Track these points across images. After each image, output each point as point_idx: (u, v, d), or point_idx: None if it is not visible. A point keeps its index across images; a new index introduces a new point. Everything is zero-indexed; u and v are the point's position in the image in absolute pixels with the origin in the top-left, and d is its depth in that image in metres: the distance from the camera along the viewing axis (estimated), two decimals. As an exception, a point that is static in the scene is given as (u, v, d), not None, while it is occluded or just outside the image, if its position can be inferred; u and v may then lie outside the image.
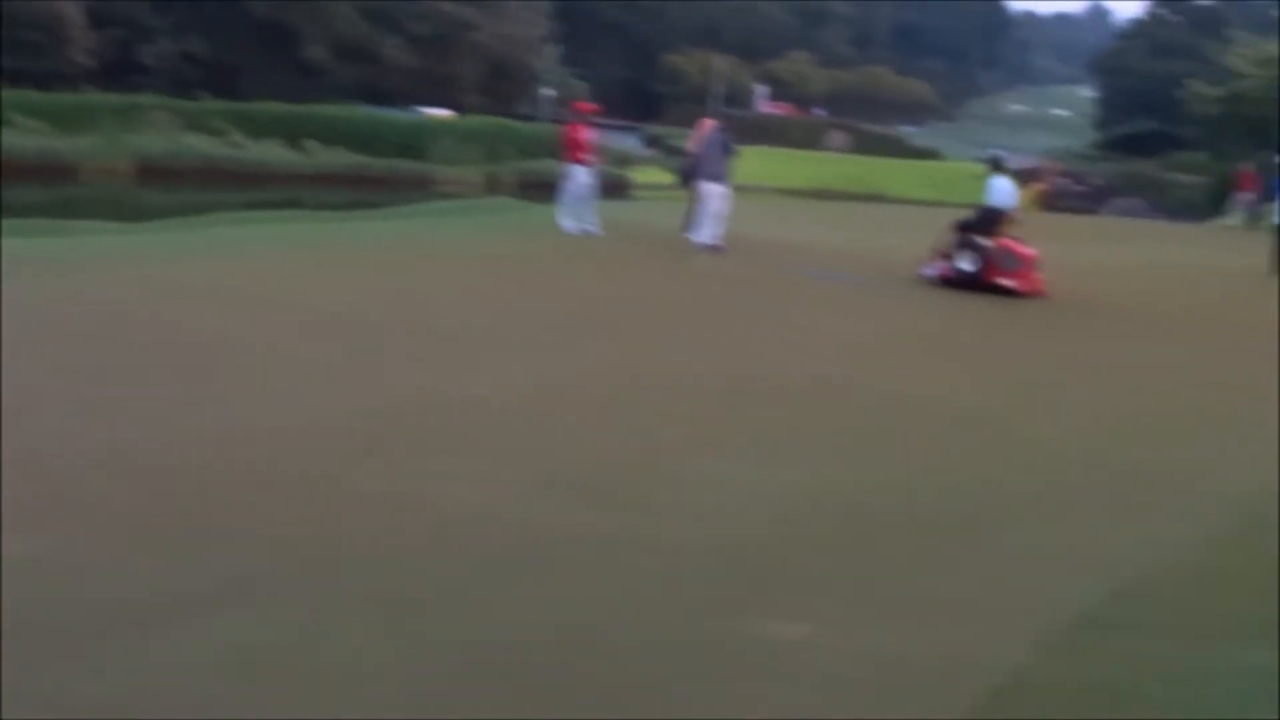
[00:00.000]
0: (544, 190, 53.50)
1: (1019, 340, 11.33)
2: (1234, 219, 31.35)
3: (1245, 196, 31.49)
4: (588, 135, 17.14)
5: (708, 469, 5.95)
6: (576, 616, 4.10)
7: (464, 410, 6.64)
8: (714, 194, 15.38)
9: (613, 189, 53.85)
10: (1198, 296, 15.67)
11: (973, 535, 5.28)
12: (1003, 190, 14.51)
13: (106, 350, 7.31)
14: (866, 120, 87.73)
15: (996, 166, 15.36)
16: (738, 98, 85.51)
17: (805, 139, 72.66)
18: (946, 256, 14.07)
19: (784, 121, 75.51)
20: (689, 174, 16.37)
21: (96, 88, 50.16)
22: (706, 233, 15.16)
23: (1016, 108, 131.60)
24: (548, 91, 65.14)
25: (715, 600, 4.33)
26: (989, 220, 14.16)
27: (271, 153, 46.56)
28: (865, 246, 18.25)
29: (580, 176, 16.50)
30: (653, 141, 63.19)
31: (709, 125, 16.75)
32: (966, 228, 14.18)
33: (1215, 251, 22.24)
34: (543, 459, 5.87)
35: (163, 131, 44.76)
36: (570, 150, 16.96)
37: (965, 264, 13.75)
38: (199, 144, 44.83)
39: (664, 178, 61.49)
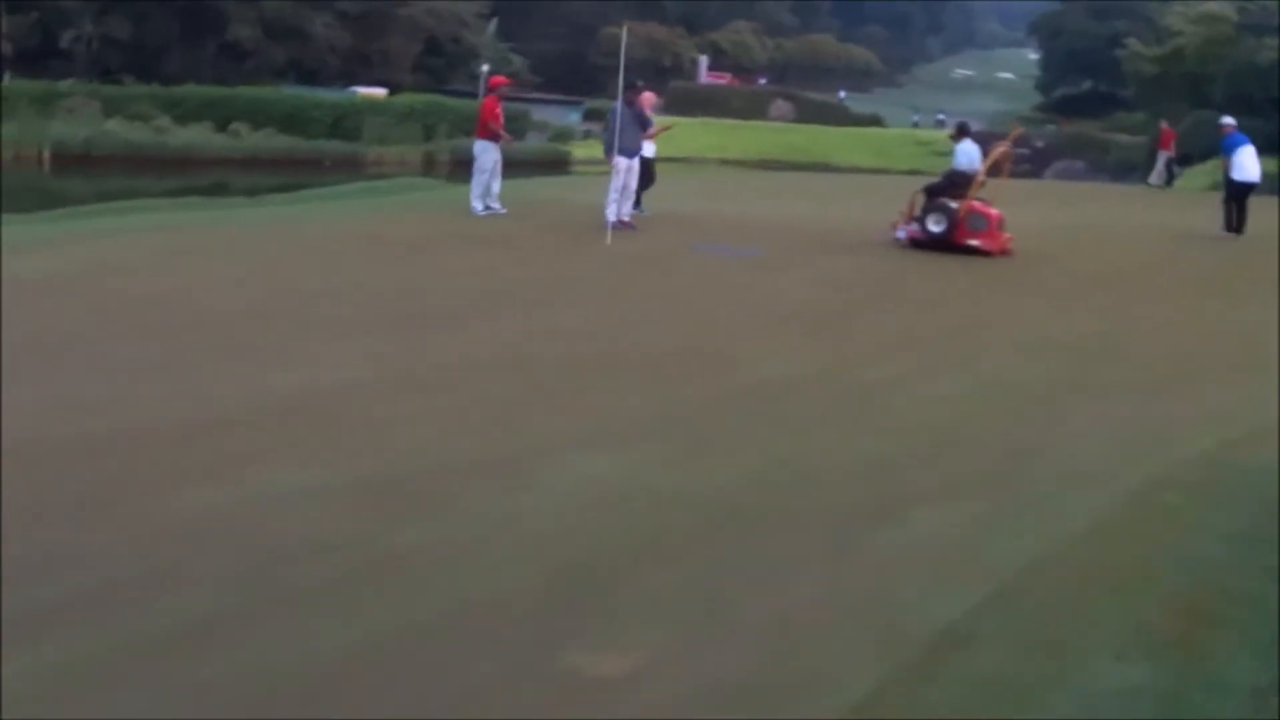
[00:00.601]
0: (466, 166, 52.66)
1: (900, 314, 10.69)
2: (1156, 178, 30.73)
3: (1165, 155, 30.86)
4: (498, 110, 16.38)
5: (551, 461, 5.32)
6: (364, 652, 3.50)
7: (288, 409, 5.95)
8: (622, 168, 14.68)
9: (551, 164, 53.49)
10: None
11: (841, 532, 4.68)
12: (968, 154, 14.91)
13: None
14: (810, 89, 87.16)
15: (963, 132, 15.57)
16: (680, 69, 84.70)
17: (748, 109, 71.95)
18: (917, 220, 14.57)
19: (726, 91, 74.66)
20: (609, 148, 16.06)
21: (16, 75, 48.51)
22: (613, 209, 14.42)
23: (962, 72, 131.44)
24: (485, 67, 63.91)
25: (533, 630, 3.70)
26: (956, 183, 14.64)
27: (198, 137, 45.38)
28: (786, 217, 17.64)
29: (491, 153, 15.73)
30: (591, 115, 62.33)
31: (649, 98, 16.15)
32: (935, 191, 14.71)
33: (1159, 212, 21.80)
34: (366, 459, 5.22)
35: (83, 118, 43.47)
36: (483, 126, 16.17)
37: (934, 226, 14.28)
38: (121, 130, 43.62)
39: (601, 151, 60.92)
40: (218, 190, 30.06)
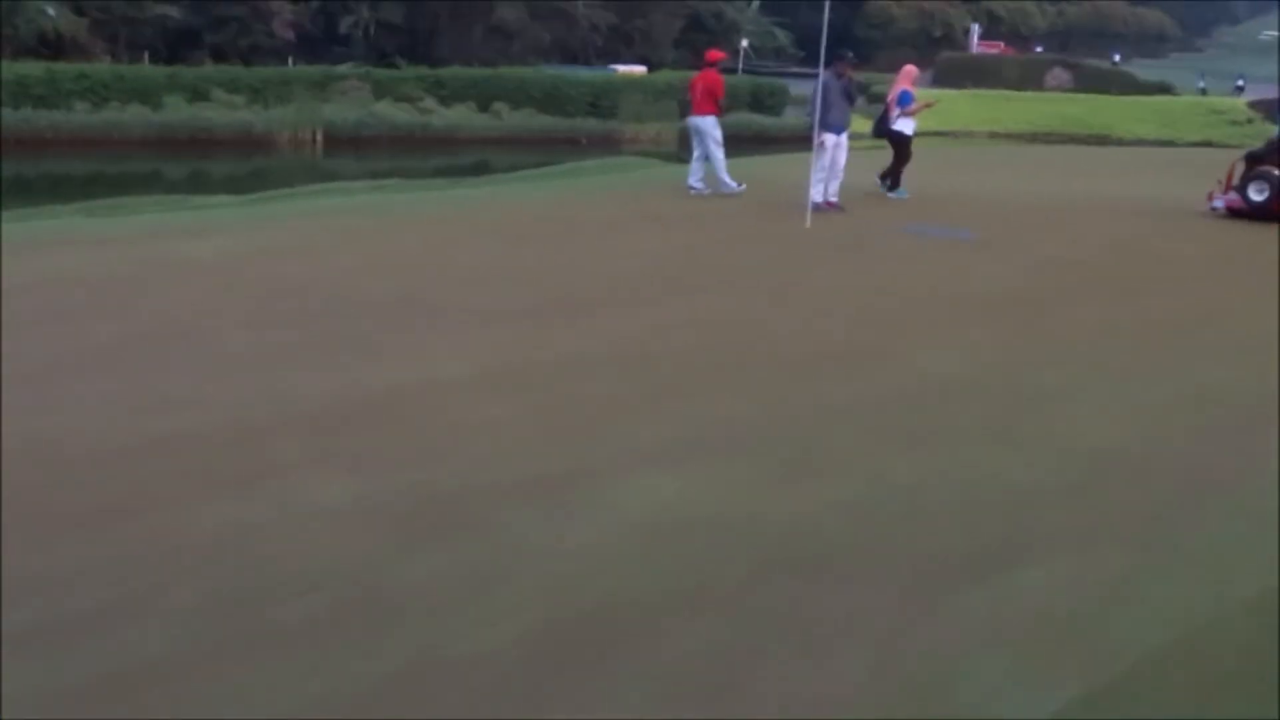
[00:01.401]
0: (733, 144, 52.21)
1: (1121, 303, 9.27)
2: None
3: None
4: (718, 85, 15.43)
5: (619, 480, 4.65)
6: (306, 709, 3.01)
7: (358, 411, 5.49)
8: (829, 145, 13.69)
9: (809, 140, 52.41)
10: None
11: (926, 588, 3.78)
12: None
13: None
14: (1096, 56, 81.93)
15: None
16: (953, 38, 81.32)
17: (1023, 78, 68.19)
18: (1236, 188, 14.28)
19: (999, 61, 70.98)
20: (878, 125, 15.40)
21: (300, 60, 51.41)
22: (819, 190, 13.42)
23: (1270, 34, 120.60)
24: (746, 43, 63.25)
25: (507, 695, 3.09)
26: None
27: (461, 117, 46.84)
28: (1031, 193, 16.12)
29: (713, 130, 14.95)
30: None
31: (910, 72, 15.24)
32: (1256, 159, 14.39)
33: None
34: (414, 472, 4.69)
35: (354, 101, 45.53)
36: (700, 103, 15.36)
37: (1256, 194, 14.00)
38: (389, 112, 45.47)
39: (863, 126, 59.14)
40: (480, 169, 30.76)
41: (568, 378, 6.18)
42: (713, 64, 15.86)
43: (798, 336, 7.38)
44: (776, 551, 4.05)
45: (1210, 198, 14.66)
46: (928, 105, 16.14)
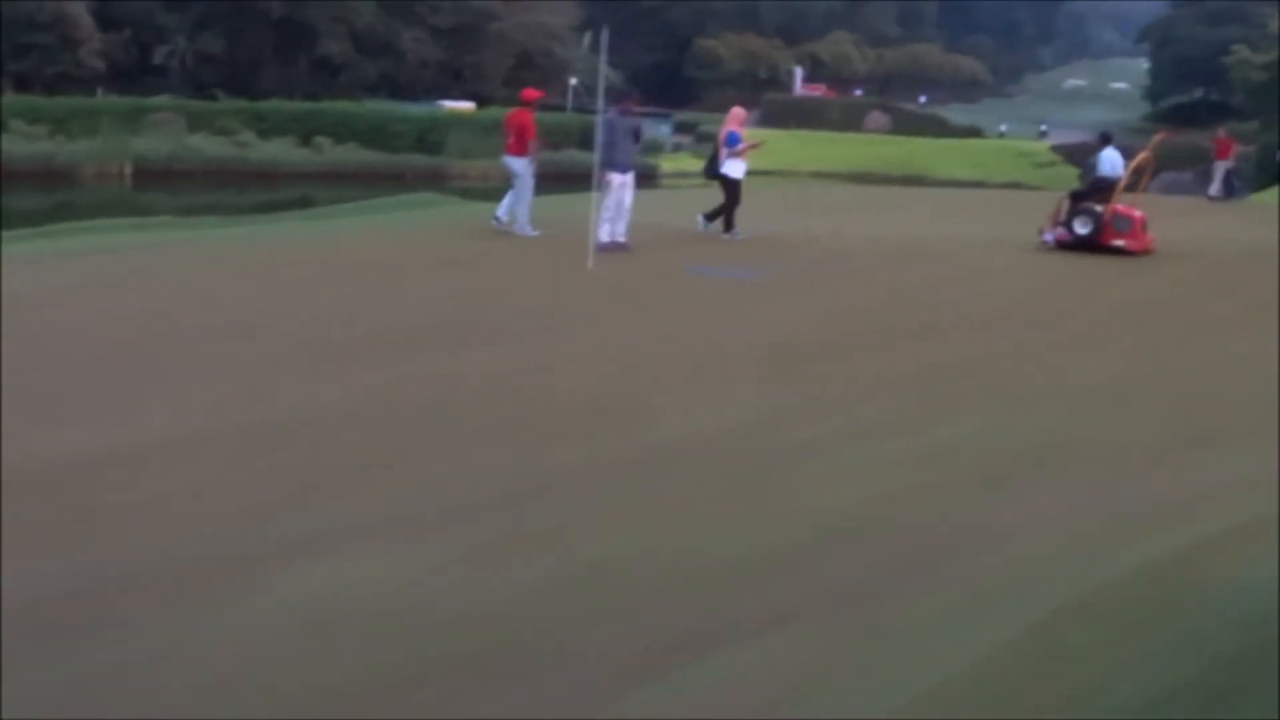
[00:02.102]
0: (561, 181, 51.98)
1: (896, 350, 9.37)
2: (1215, 190, 28.05)
3: (1224, 165, 28.07)
4: (529, 125, 15.08)
5: (294, 562, 4.28)
6: None
7: (25, 484, 5.00)
8: (615, 184, 13.49)
9: (642, 178, 52.72)
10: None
11: (576, 696, 3.55)
12: (1112, 161, 16.07)
13: None
14: (913, 100, 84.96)
15: (1105, 140, 16.94)
16: (777, 80, 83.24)
17: (844, 120, 70.33)
18: (1063, 224, 15.53)
19: (821, 103, 73.06)
20: (709, 168, 15.35)
21: (111, 91, 49.44)
22: (606, 229, 13.29)
23: (1074, 82, 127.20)
24: (575, 81, 63.42)
25: None
26: (1101, 188, 15.73)
27: (280, 151, 45.71)
28: (838, 231, 16.30)
29: (522, 171, 14.67)
30: (682, 128, 61.43)
31: (738, 114, 15.23)
32: (1080, 196, 15.91)
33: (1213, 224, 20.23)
34: (59, 560, 4.24)
35: (168, 133, 44.00)
36: (513, 143, 15.03)
37: (1081, 228, 15.24)
38: (205, 145, 44.09)
39: (690, 164, 59.86)
40: (300, 204, 29.91)
41: (282, 440, 5.77)
42: (527, 103, 15.46)
43: (547, 392, 7.11)
44: (444, 647, 3.74)
45: (1040, 232, 15.75)
46: (755, 146, 16.21)
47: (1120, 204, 15.29)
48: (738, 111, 15.49)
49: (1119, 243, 14.90)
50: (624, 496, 5.25)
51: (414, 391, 6.91)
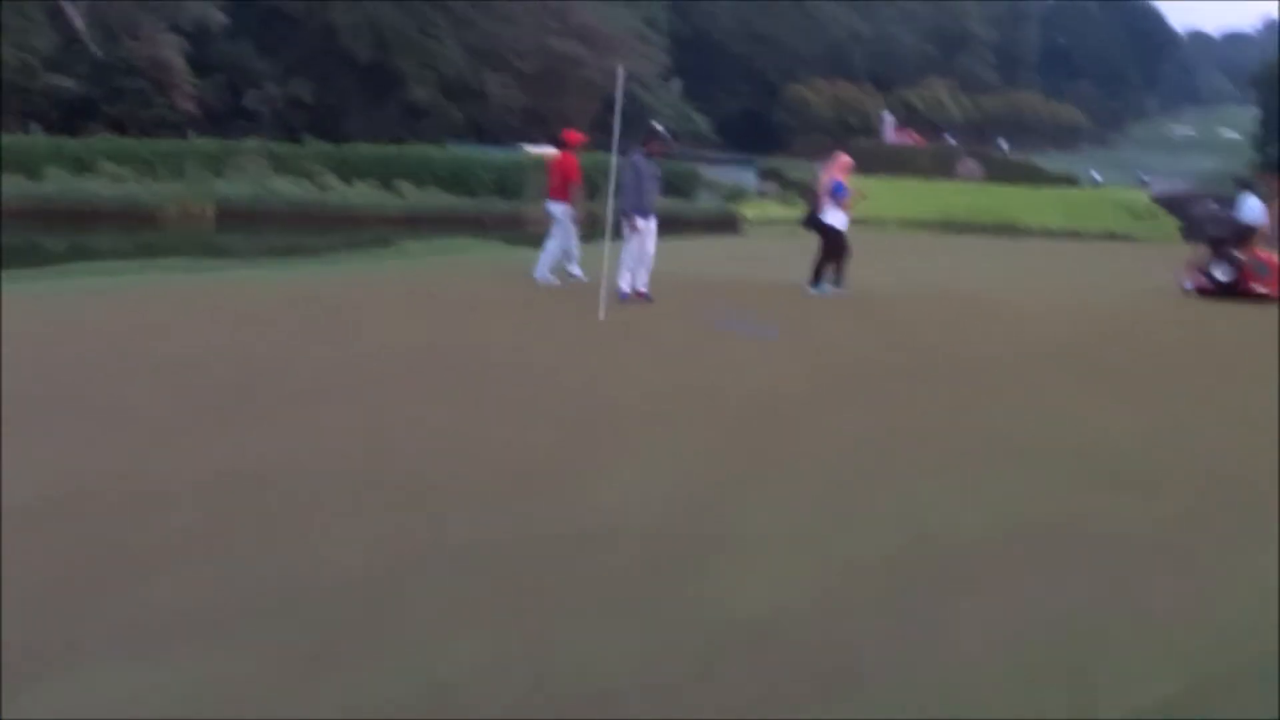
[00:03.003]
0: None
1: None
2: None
3: None
4: (573, 169, 14.47)
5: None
6: None
7: None
8: (637, 231, 12.80)
9: (721, 225, 51.98)
10: None
11: None
12: (1253, 208, 16.30)
13: None
14: (1013, 147, 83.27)
15: (1245, 186, 17.24)
16: (868, 127, 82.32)
17: (935, 167, 69.09)
18: (1203, 270, 15.87)
19: (912, 150, 71.91)
20: (808, 217, 14.44)
21: (203, 134, 50.38)
22: (628, 279, 12.57)
23: (1182, 130, 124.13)
24: (658, 126, 63.24)
25: None
26: (1241, 234, 16.02)
27: (361, 194, 46.03)
28: (927, 281, 15.34)
29: (562, 217, 14.11)
30: (769, 175, 60.73)
31: (845, 162, 14.39)
32: (1220, 242, 16.10)
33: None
34: None
35: (252, 175, 44.55)
36: (556, 187, 14.48)
37: (1221, 275, 15.56)
38: (285, 187, 44.54)
39: (777, 212, 58.95)
40: (379, 244, 29.83)
41: (113, 518, 4.99)
42: (570, 146, 14.90)
43: (484, 456, 6.29)
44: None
45: (1181, 279, 16.28)
46: (862, 196, 15.35)
47: (1261, 250, 15.78)
48: (844, 159, 14.56)
49: (1259, 288, 15.25)
50: (493, 589, 4.45)
51: (337, 450, 6.21)
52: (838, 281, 14.09)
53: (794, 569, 4.80)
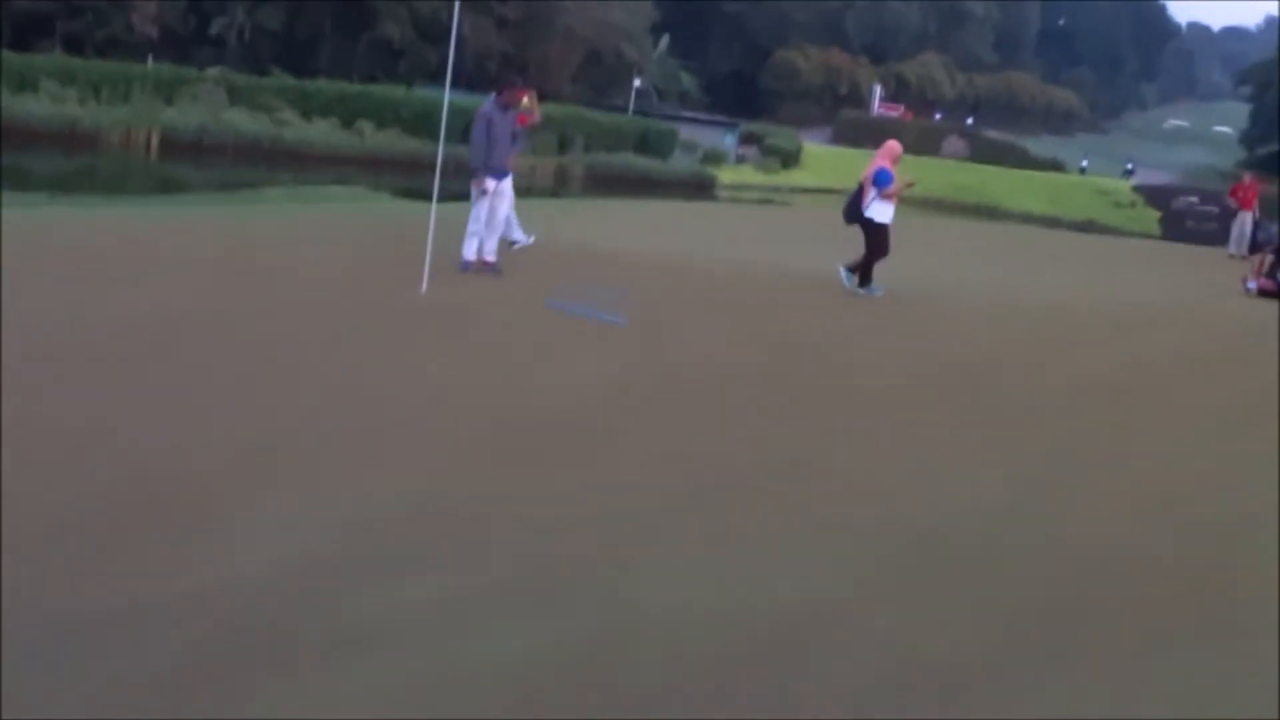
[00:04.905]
0: (611, 185, 49.68)
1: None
2: (1235, 246, 23.88)
3: (1247, 216, 23.79)
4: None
5: None
6: None
7: None
8: (491, 191, 11.12)
9: (694, 188, 50.38)
10: None
11: None
12: None
13: None
14: (1003, 129, 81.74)
15: None
16: (859, 98, 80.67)
17: (920, 144, 67.48)
18: (1268, 275, 16.44)
19: (897, 124, 70.27)
20: (850, 209, 12.04)
21: (164, 61, 48.44)
22: (473, 245, 11.03)
23: (1176, 123, 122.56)
24: (639, 82, 61.40)
25: None
26: None
27: (319, 133, 44.33)
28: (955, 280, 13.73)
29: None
30: (749, 139, 58.93)
31: (893, 149, 12.18)
32: None
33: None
34: None
35: (205, 106, 42.74)
36: None
37: None
38: (239, 120, 42.74)
39: (753, 177, 57.19)
40: (339, 183, 28.20)
41: None
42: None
43: (211, 478, 5.03)
44: None
45: (1244, 280, 16.77)
46: (909, 186, 13.11)
47: None
48: (893, 145, 12.26)
49: None
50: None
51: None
52: (864, 281, 12.11)
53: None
